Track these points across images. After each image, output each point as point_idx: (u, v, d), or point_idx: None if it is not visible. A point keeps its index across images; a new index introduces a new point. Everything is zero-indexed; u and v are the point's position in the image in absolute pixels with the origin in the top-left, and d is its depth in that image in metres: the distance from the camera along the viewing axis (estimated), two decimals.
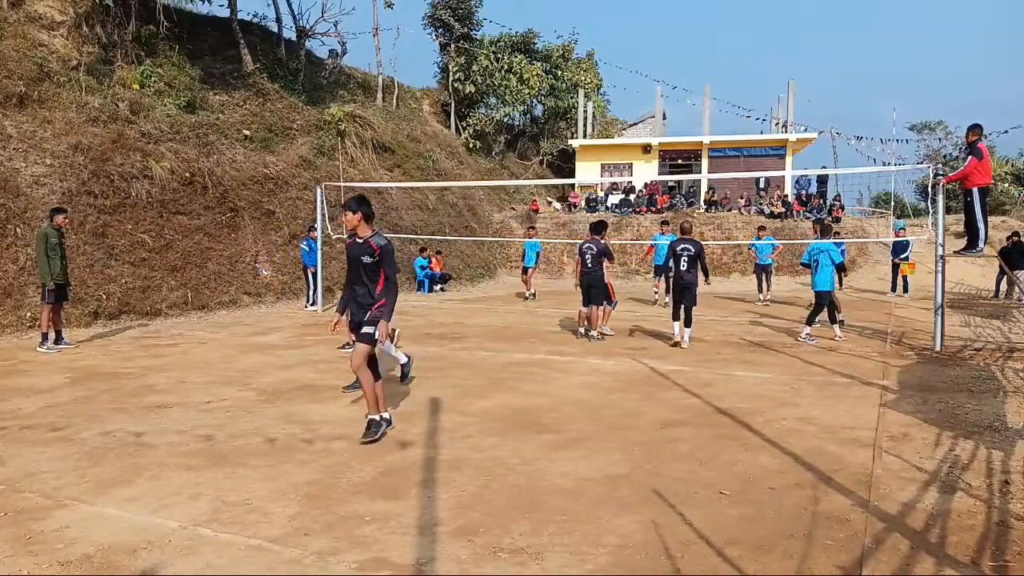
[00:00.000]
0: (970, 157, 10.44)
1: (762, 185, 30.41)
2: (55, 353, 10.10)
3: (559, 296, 19.32)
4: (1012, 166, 39.33)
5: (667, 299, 17.36)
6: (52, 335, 10.45)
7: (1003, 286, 19.55)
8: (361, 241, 6.23)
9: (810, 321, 11.56)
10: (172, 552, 3.79)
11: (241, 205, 17.00)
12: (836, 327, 11.74)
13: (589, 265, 11.68)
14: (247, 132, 19.32)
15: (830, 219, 26.04)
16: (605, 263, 11.72)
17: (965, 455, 5.38)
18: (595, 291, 11.66)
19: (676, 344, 10.84)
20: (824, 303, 11.62)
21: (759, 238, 18.08)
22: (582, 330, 11.94)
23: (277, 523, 4.17)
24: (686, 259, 11.07)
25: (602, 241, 11.89)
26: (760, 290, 17.82)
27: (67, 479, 4.91)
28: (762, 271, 17.79)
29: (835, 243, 12.95)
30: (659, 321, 14.05)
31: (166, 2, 18.90)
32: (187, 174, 16.00)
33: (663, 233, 17.27)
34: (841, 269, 12.09)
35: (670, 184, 31.96)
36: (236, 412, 6.83)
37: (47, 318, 10.36)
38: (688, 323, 10.96)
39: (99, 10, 17.39)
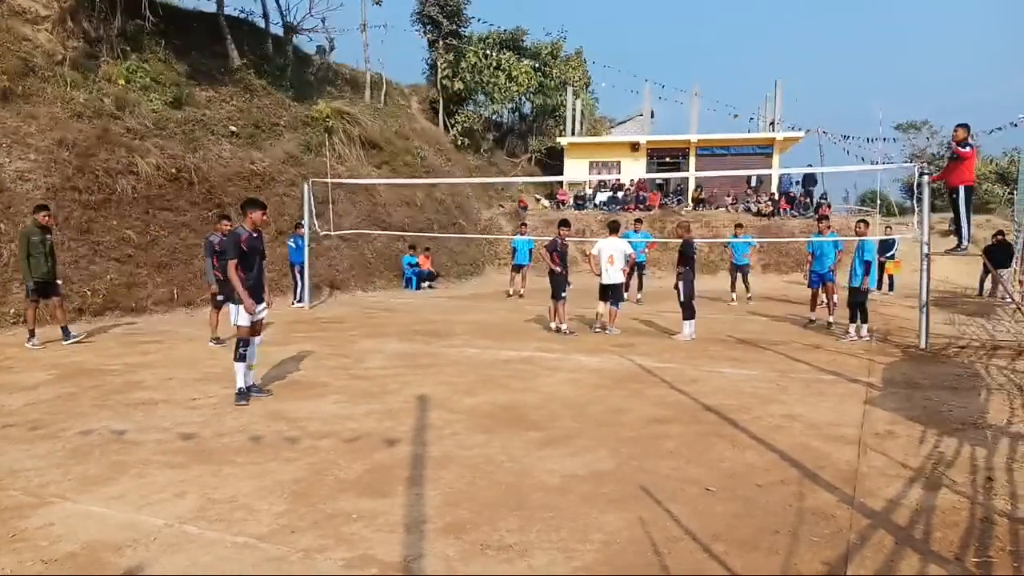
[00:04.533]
0: (969, 148, 10.39)
1: (753, 183, 30.52)
2: (39, 349, 10.02)
3: (547, 293, 19.23)
4: (997, 166, 39.68)
5: (638, 295, 17.52)
6: (60, 330, 10.55)
7: (987, 284, 19.71)
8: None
9: (852, 319, 11.48)
10: (157, 549, 3.77)
11: (227, 201, 16.87)
12: (851, 326, 11.45)
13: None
14: (234, 128, 19.20)
15: (815, 217, 26.24)
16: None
17: (949, 452, 5.42)
18: (618, 290, 12.22)
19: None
20: (853, 300, 11.41)
21: (735, 236, 17.84)
22: (598, 326, 12.19)
23: (263, 521, 4.16)
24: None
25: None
26: (733, 288, 17.67)
27: (51, 476, 4.87)
28: (737, 271, 17.61)
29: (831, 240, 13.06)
30: (644, 317, 14.08)
31: None
32: (173, 170, 15.88)
33: (635, 231, 17.44)
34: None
35: (658, 182, 32.05)
36: (222, 409, 6.79)
37: (32, 316, 10.37)
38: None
39: (84, 5, 17.23)
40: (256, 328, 7.42)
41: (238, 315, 7.17)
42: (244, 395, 7.09)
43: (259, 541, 3.88)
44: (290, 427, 6.19)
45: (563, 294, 12.08)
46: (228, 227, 10.48)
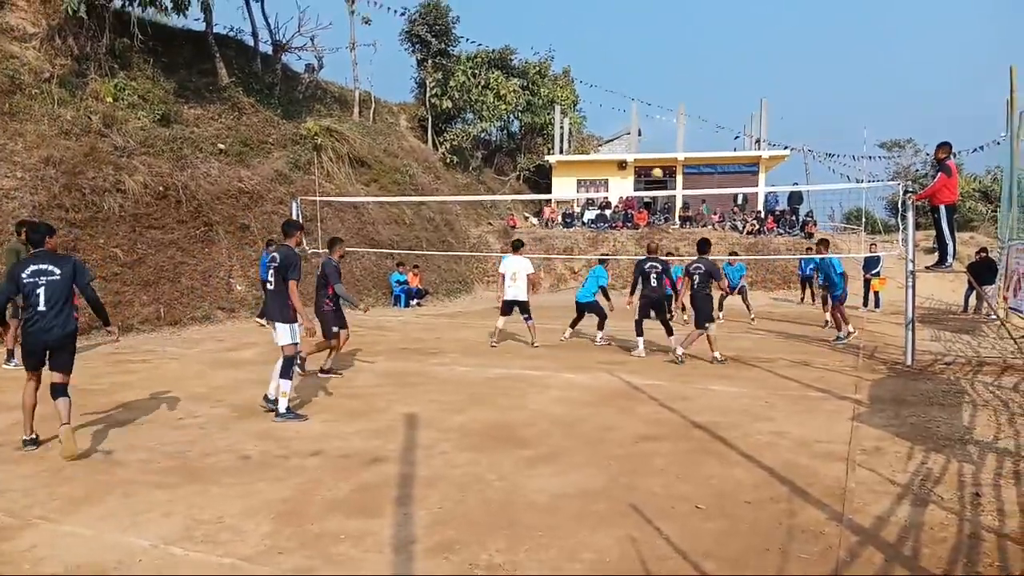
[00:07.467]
0: (939, 174, 10.63)
1: (739, 201, 30.76)
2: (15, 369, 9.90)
3: (538, 311, 19.20)
4: (980, 183, 40.07)
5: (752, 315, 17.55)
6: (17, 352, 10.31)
7: (972, 301, 19.86)
8: None
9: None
10: (142, 571, 3.73)
11: (215, 219, 16.86)
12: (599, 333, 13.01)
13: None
14: (222, 146, 19.20)
15: (802, 236, 26.44)
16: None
17: (937, 468, 5.45)
18: (524, 306, 12.59)
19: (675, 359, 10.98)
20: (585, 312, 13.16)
21: (730, 264, 18.04)
22: (495, 341, 12.77)
23: (250, 541, 4.12)
24: (654, 276, 11.58)
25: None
26: (721, 307, 17.65)
27: (36, 497, 4.81)
28: (735, 293, 17.67)
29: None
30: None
31: (140, 15, 18.78)
32: (160, 188, 15.85)
33: (731, 264, 18.21)
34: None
35: (646, 200, 32.23)
36: (209, 429, 6.75)
37: (11, 335, 10.21)
38: (670, 332, 11.49)
39: (72, 22, 17.24)
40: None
41: (291, 334, 7.26)
42: (291, 411, 7.19)
43: (245, 562, 3.85)
44: (278, 446, 6.14)
45: (708, 324, 10.97)
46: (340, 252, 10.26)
